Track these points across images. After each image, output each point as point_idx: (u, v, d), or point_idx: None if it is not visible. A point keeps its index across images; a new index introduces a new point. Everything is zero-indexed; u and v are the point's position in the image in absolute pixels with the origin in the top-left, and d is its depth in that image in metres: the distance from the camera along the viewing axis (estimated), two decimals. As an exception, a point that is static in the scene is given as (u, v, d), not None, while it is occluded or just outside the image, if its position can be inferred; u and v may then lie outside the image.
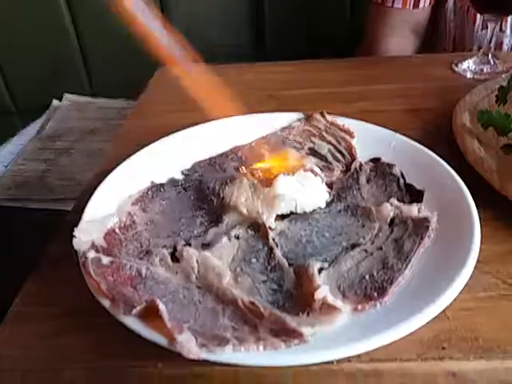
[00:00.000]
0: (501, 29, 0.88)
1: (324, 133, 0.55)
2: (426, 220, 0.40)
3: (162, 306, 0.31)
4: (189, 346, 0.30)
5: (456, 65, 0.77)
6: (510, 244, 0.41)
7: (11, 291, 0.42)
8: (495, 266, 0.39)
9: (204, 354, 0.29)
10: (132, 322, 0.32)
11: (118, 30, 1.32)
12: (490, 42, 0.75)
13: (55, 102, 1.47)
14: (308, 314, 0.33)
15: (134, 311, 0.32)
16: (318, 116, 0.57)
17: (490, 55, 0.75)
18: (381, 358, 0.32)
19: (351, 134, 0.54)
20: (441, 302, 0.32)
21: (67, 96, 1.48)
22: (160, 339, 0.30)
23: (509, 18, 0.87)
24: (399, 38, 0.95)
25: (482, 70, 0.75)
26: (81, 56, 1.39)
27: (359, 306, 0.33)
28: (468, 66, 0.76)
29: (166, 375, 0.33)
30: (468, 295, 0.37)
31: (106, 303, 0.33)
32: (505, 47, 0.89)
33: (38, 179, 1.18)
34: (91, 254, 0.37)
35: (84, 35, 1.34)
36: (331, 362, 0.32)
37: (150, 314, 0.32)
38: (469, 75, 0.75)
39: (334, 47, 0.89)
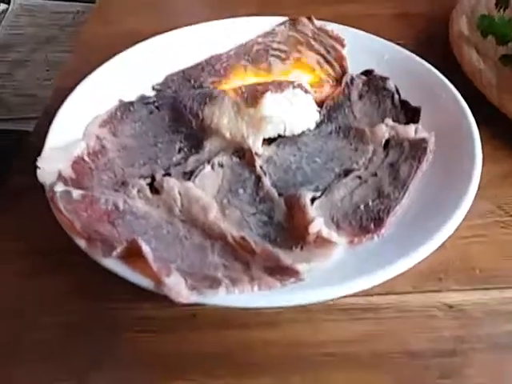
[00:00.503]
0: None
1: (312, 40, 0.49)
2: (423, 141, 0.38)
3: (145, 247, 0.29)
4: (178, 288, 0.27)
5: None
6: (507, 166, 0.40)
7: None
8: (493, 191, 0.38)
9: (195, 297, 0.27)
10: (113, 264, 0.29)
11: None
12: None
13: (3, 5, 1.30)
14: (302, 247, 0.31)
15: (115, 253, 0.29)
16: (305, 20, 0.50)
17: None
18: (376, 291, 0.31)
19: (342, 43, 0.48)
20: (440, 235, 0.31)
21: (16, -1, 1.31)
22: (146, 282, 0.28)
23: None
24: None
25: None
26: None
27: (355, 239, 0.32)
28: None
29: (156, 317, 0.31)
30: (464, 222, 0.35)
31: (82, 243, 0.30)
32: None
33: (-7, 96, 1.08)
34: (59, 188, 0.33)
35: None
36: (327, 298, 0.31)
37: (132, 253, 0.29)
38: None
39: None
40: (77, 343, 0.30)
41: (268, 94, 0.38)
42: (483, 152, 0.37)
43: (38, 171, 0.34)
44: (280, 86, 0.39)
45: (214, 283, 0.28)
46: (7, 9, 1.29)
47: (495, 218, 0.36)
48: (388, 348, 0.29)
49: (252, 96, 0.39)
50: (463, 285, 0.32)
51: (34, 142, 0.38)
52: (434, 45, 0.53)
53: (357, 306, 0.31)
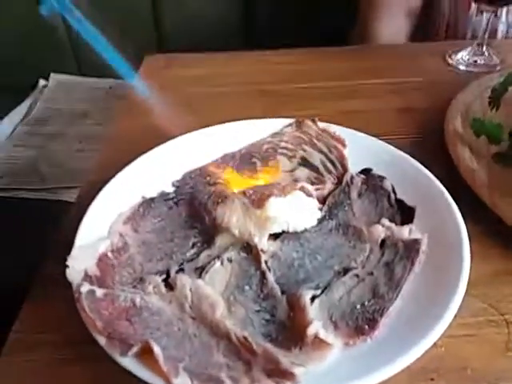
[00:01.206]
0: (496, 15, 0.85)
1: (315, 140, 0.55)
2: (416, 242, 0.41)
3: (156, 348, 0.32)
4: (185, 389, 0.30)
5: (450, 56, 0.76)
6: (497, 265, 0.42)
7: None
8: (483, 289, 0.40)
9: (200, 398, 0.30)
10: (129, 363, 0.32)
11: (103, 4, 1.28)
12: (485, 33, 0.74)
13: (42, 81, 1.43)
14: (300, 348, 0.34)
15: (130, 352, 0.32)
16: (310, 122, 0.56)
17: (484, 47, 0.74)
18: (371, 391, 0.33)
19: (343, 143, 0.53)
20: (432, 335, 0.33)
21: (54, 76, 1.44)
22: (157, 381, 0.31)
23: (505, 5, 0.85)
24: (392, 23, 0.93)
25: (475, 61, 0.74)
26: (66, 34, 1.34)
27: (350, 341, 0.34)
28: (462, 57, 0.75)
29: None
30: (455, 321, 0.37)
31: (102, 341, 0.34)
32: (499, 34, 0.88)
33: (29, 167, 1.17)
34: (85, 288, 0.37)
35: None
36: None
37: (146, 352, 0.32)
38: (462, 67, 0.74)
39: (328, 34, 0.87)
40: None
41: (272, 198, 0.43)
42: (473, 250, 0.40)
43: (67, 270, 0.39)
44: (283, 189, 0.44)
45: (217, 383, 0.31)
46: (46, 85, 1.41)
47: (486, 317, 0.38)
48: None
49: (258, 199, 0.43)
50: (454, 385, 0.34)
51: (63, 240, 0.43)
52: (430, 140, 0.58)
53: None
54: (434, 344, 0.36)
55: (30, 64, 1.37)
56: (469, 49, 0.75)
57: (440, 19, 0.91)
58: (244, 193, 0.44)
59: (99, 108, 1.35)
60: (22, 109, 1.38)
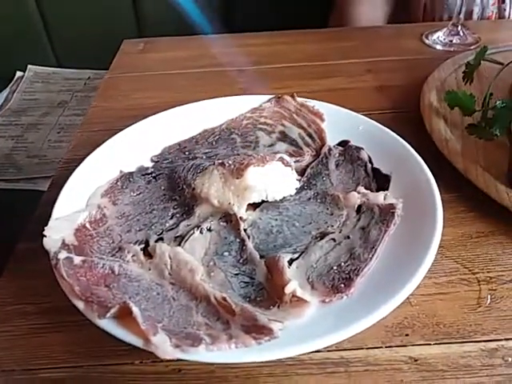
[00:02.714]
0: (471, -4, 0.87)
1: (294, 115, 0.55)
2: (391, 207, 0.41)
3: (135, 309, 0.32)
4: (163, 346, 0.30)
5: (426, 36, 0.77)
6: (471, 227, 0.43)
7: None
8: (456, 251, 0.41)
9: (178, 354, 0.30)
10: (106, 324, 0.32)
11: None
12: (460, 13, 0.75)
13: (19, 73, 1.41)
14: (278, 307, 0.35)
15: (108, 314, 0.32)
16: (289, 98, 0.56)
17: (459, 27, 0.75)
18: (348, 347, 0.34)
19: (321, 117, 0.54)
20: (404, 291, 0.34)
21: (31, 67, 1.42)
22: (135, 340, 0.31)
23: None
24: (369, 7, 0.94)
25: (451, 41, 0.76)
26: (42, 25, 1.32)
27: (327, 299, 0.35)
28: (438, 38, 0.76)
29: (143, 371, 0.34)
30: (429, 280, 0.39)
31: (80, 305, 0.34)
32: (475, 16, 0.89)
33: (5, 157, 1.15)
34: (62, 255, 0.37)
35: (44, 3, 1.27)
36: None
37: (124, 314, 0.33)
38: (438, 47, 0.75)
39: (306, 19, 0.87)
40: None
41: (251, 167, 0.43)
42: (448, 215, 0.41)
43: (45, 239, 0.39)
44: (262, 159, 0.44)
45: (196, 341, 0.31)
46: (23, 76, 1.39)
47: (459, 276, 0.39)
48: (358, 401, 0.32)
49: (237, 169, 0.43)
50: (428, 339, 0.35)
51: (40, 215, 0.43)
52: (407, 115, 0.59)
53: (329, 361, 0.34)
54: (409, 302, 0.37)
55: (6, 56, 1.35)
56: (444, 29, 0.77)
57: (416, 2, 0.92)
58: (223, 163, 0.44)
59: (78, 99, 1.34)
60: (-2, 100, 1.36)
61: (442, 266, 0.40)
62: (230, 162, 0.44)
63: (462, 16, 0.75)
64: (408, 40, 0.78)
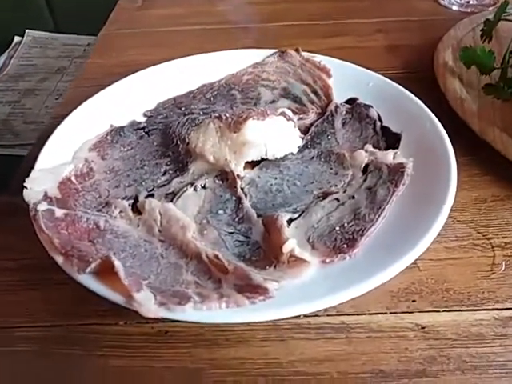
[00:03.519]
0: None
1: (299, 70, 0.51)
2: (401, 166, 0.38)
3: (117, 263, 0.29)
4: (147, 304, 0.28)
5: (442, -3, 0.73)
6: (485, 191, 0.40)
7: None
8: (469, 215, 0.38)
9: (163, 313, 0.28)
10: (86, 280, 0.30)
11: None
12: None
13: (17, 38, 1.37)
14: (275, 267, 0.32)
15: (89, 269, 0.29)
16: (293, 52, 0.53)
17: (477, -14, 0.71)
18: (349, 312, 0.32)
19: (328, 73, 0.50)
20: (412, 254, 0.31)
21: (29, 32, 1.37)
22: (116, 297, 0.28)
23: None
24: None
25: (468, 2, 0.71)
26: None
27: (327, 259, 0.32)
28: (454, -2, 0.72)
29: (128, 333, 0.32)
30: (440, 245, 0.36)
31: (59, 259, 0.31)
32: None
33: (2, 123, 1.12)
34: (42, 207, 0.34)
35: None
36: (298, 317, 0.31)
37: (107, 270, 0.30)
38: (454, 7, 0.70)
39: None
40: (47, 357, 0.31)
41: (250, 120, 0.40)
42: (462, 178, 0.38)
43: (25, 191, 0.36)
44: (262, 113, 0.41)
45: (183, 300, 0.28)
46: (21, 41, 1.35)
47: (472, 241, 0.36)
48: (359, 368, 0.29)
49: (235, 122, 0.40)
50: (437, 306, 0.32)
51: (25, 168, 0.40)
52: (420, 75, 0.55)
53: (329, 326, 0.31)
54: (417, 267, 0.34)
55: (4, 21, 1.31)
56: (461, -11, 0.72)
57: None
58: (219, 116, 0.41)
59: (77, 65, 1.29)
60: (-5, 65, 1.32)
61: (454, 231, 0.37)
62: (228, 115, 0.41)
63: (481, -25, 0.70)
64: (421, 0, 0.73)
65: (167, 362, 0.30)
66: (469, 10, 0.69)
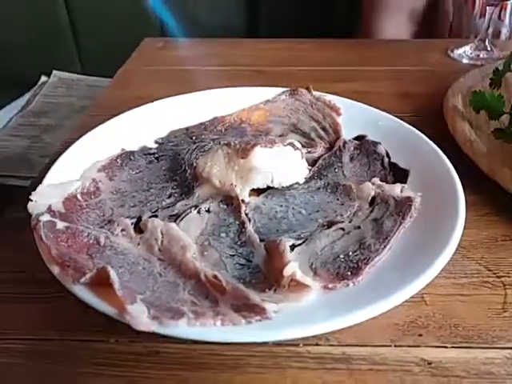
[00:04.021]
0: (499, 17, 0.85)
1: (309, 107, 0.52)
2: (408, 199, 0.38)
3: (113, 273, 0.29)
4: (139, 317, 0.27)
5: (452, 50, 0.75)
6: (496, 230, 0.39)
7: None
8: (479, 253, 0.37)
9: (155, 327, 0.27)
10: (79, 290, 0.29)
11: (109, 7, 1.29)
12: (488, 29, 0.73)
13: (43, 77, 1.43)
14: (275, 290, 0.31)
15: (83, 279, 0.29)
16: (304, 91, 0.54)
17: (487, 41, 0.73)
18: (352, 342, 0.30)
19: (337, 111, 0.51)
20: (416, 284, 0.30)
21: (56, 73, 1.43)
22: (109, 309, 0.27)
23: (508, 7, 0.84)
24: (395, 24, 0.92)
25: (478, 55, 0.73)
26: (71, 33, 1.34)
27: (330, 285, 0.31)
28: (464, 52, 0.74)
29: (118, 351, 0.30)
30: (448, 281, 0.34)
31: (55, 269, 0.30)
32: (502, 37, 0.87)
33: (19, 156, 1.15)
34: (45, 218, 0.34)
35: (75, 11, 1.30)
36: (297, 345, 0.30)
37: (102, 283, 0.29)
38: (465, 60, 0.72)
39: (329, 35, 0.86)
40: (31, 371, 0.29)
41: (258, 147, 0.40)
42: (470, 217, 0.37)
43: (30, 203, 0.36)
44: (271, 141, 0.41)
45: (177, 315, 0.27)
46: (47, 81, 1.41)
47: (482, 279, 0.35)
48: (359, 402, 0.27)
49: (243, 149, 0.40)
50: (444, 342, 0.30)
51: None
52: (430, 119, 0.55)
53: (330, 356, 0.29)
54: (424, 301, 0.33)
55: (33, 61, 1.37)
56: (471, 44, 0.74)
57: (444, 20, 0.90)
58: (228, 143, 0.41)
59: (98, 103, 1.34)
60: (20, 102, 1.37)
61: (463, 267, 0.36)
62: (236, 142, 0.41)
63: (490, 31, 0.73)
64: (433, 53, 0.75)
65: (157, 382, 0.28)
66: (479, 63, 0.71)
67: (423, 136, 0.45)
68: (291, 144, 0.42)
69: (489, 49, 0.73)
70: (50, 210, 0.36)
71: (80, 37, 1.36)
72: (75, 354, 0.30)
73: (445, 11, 0.90)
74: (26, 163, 1.12)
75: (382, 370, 0.29)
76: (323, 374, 0.29)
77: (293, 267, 0.31)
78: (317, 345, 0.30)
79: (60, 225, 0.34)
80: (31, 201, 0.36)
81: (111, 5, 1.28)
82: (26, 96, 1.38)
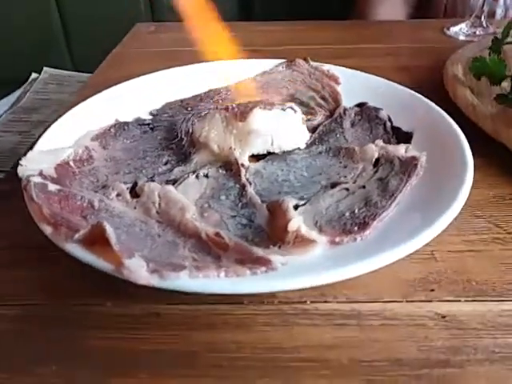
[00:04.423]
0: (494, -3, 0.84)
1: (308, 78, 0.51)
2: (414, 159, 0.36)
3: (109, 228, 0.27)
4: (138, 271, 0.25)
5: (448, 28, 0.74)
6: (503, 190, 0.38)
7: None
8: (488, 211, 0.36)
9: (155, 280, 0.25)
10: (73, 248, 0.27)
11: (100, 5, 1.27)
12: (483, 6, 0.72)
13: (34, 74, 1.41)
14: (279, 247, 0.29)
15: (77, 235, 0.27)
16: (302, 61, 0.53)
17: (482, 17, 0.72)
18: (361, 299, 0.29)
19: (336, 80, 0.50)
20: (424, 236, 0.28)
21: (47, 70, 1.42)
22: (105, 265, 0.26)
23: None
24: (389, 8, 0.91)
25: (474, 32, 0.72)
26: (62, 30, 1.33)
27: (337, 239, 0.29)
28: (460, 29, 0.73)
29: (115, 314, 0.29)
30: (458, 238, 0.33)
31: (48, 230, 0.29)
32: (497, 17, 0.86)
33: (10, 151, 1.13)
34: (36, 179, 0.32)
35: (67, 15, 1.28)
36: (304, 301, 0.28)
37: (98, 241, 0.27)
38: (461, 37, 0.72)
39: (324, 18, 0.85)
40: (29, 336, 0.27)
41: (257, 109, 0.39)
42: (477, 177, 0.35)
43: (20, 167, 0.34)
44: (270, 103, 0.40)
45: (178, 267, 0.26)
46: (38, 77, 1.39)
47: (492, 235, 0.33)
48: (373, 355, 0.26)
49: (241, 111, 0.39)
50: (458, 296, 0.29)
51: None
52: (430, 89, 0.54)
53: (339, 312, 0.28)
54: (434, 257, 0.32)
55: (23, 58, 1.36)
56: (467, 21, 0.73)
57: (438, 2, 0.90)
58: (226, 107, 0.40)
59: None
60: (10, 98, 1.35)
61: (472, 225, 0.34)
62: (234, 106, 0.40)
63: (485, 9, 0.72)
64: (429, 31, 0.75)
65: (157, 344, 0.27)
66: (475, 40, 0.70)
67: (426, 99, 0.44)
68: (291, 107, 0.41)
69: (485, 25, 0.72)
70: (41, 175, 0.34)
71: (72, 40, 1.35)
72: (70, 318, 0.28)
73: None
74: (17, 158, 1.10)
75: (395, 324, 0.27)
76: (333, 331, 0.27)
77: (297, 222, 0.29)
78: (325, 302, 0.28)
79: (52, 187, 0.32)
80: (21, 165, 0.35)
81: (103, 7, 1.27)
82: (17, 93, 1.36)
